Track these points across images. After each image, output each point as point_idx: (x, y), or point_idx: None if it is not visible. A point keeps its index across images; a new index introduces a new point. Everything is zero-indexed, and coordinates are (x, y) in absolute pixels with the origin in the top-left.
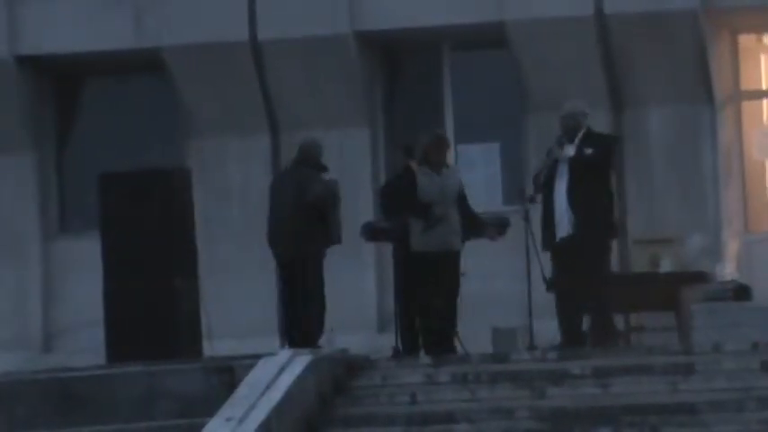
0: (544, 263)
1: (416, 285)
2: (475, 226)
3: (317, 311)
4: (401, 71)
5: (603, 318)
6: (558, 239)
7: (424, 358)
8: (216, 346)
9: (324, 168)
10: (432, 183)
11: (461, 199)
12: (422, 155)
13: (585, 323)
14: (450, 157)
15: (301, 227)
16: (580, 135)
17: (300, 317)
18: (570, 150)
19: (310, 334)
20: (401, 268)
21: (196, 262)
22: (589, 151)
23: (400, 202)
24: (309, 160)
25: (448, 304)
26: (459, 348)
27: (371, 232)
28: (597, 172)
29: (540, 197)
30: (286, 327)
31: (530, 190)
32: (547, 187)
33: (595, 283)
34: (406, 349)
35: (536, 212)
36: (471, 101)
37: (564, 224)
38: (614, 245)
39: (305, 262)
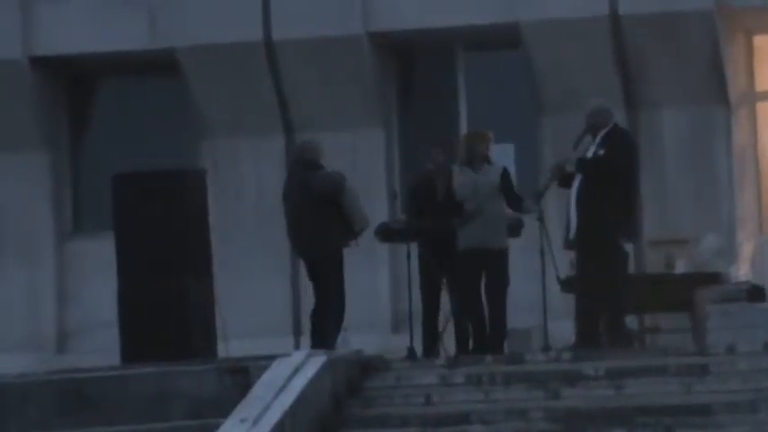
0: (559, 263)
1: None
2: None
3: (335, 312)
4: (415, 72)
5: (613, 319)
6: (570, 239)
7: (438, 359)
8: (230, 346)
9: (320, 167)
10: (465, 180)
11: (505, 190)
12: (463, 153)
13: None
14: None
15: (313, 227)
16: (602, 133)
17: (322, 318)
18: (586, 154)
19: (326, 334)
20: (425, 269)
21: (210, 262)
22: (601, 152)
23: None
24: (305, 160)
25: (494, 306)
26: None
27: (386, 233)
28: (609, 173)
29: (544, 193)
30: (311, 326)
31: (543, 182)
32: (571, 185)
33: (601, 285)
34: (426, 351)
35: (549, 212)
36: (485, 102)
37: (573, 225)
38: (626, 246)
39: (323, 262)
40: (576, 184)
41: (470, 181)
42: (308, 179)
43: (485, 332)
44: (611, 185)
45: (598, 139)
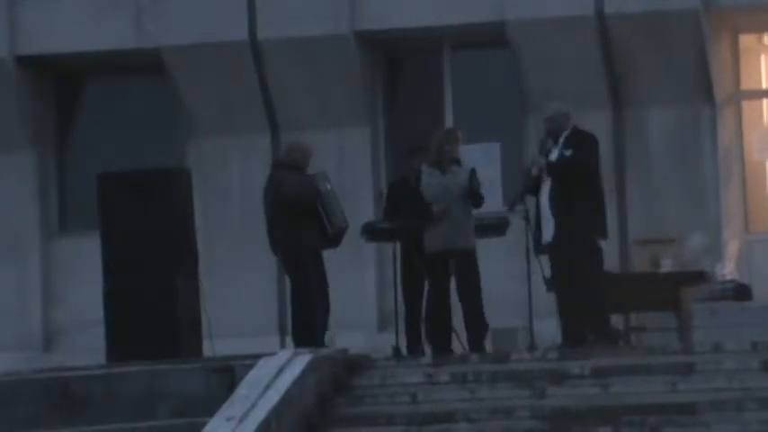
0: (544, 263)
1: (423, 286)
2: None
3: (318, 311)
4: (401, 71)
5: (598, 319)
6: (544, 243)
7: (424, 358)
8: (216, 345)
9: (298, 168)
10: (433, 181)
11: (471, 192)
12: (433, 153)
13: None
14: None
15: (285, 228)
16: (564, 136)
17: (301, 317)
18: (548, 157)
19: (313, 334)
20: (404, 267)
21: (196, 261)
22: (568, 152)
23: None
24: (284, 162)
25: (468, 305)
26: (459, 347)
27: (372, 232)
28: (580, 173)
29: (520, 203)
30: (292, 327)
31: (515, 195)
32: (536, 190)
33: (584, 285)
34: (410, 349)
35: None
36: (472, 101)
37: (549, 228)
38: (612, 245)
39: (297, 262)
40: (545, 187)
41: (438, 183)
42: (282, 182)
43: (449, 333)
44: (581, 185)
45: (561, 140)
